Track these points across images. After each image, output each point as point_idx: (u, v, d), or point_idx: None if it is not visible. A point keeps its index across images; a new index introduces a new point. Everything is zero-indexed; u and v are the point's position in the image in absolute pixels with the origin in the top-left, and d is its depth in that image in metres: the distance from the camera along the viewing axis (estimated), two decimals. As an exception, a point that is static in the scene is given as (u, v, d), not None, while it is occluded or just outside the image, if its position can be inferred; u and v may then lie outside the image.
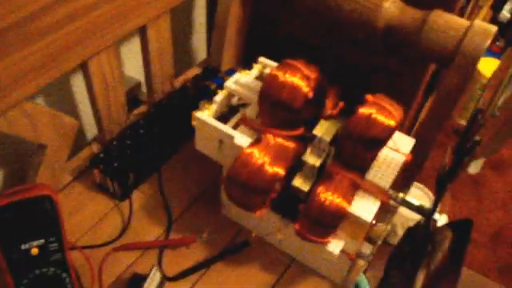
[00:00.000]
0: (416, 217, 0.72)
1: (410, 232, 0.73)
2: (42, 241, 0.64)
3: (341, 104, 0.74)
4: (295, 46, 0.95)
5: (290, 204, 0.69)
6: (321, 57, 0.70)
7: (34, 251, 0.64)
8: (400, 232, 1.04)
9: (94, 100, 0.83)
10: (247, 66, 0.79)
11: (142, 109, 0.97)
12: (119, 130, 0.88)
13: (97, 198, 0.84)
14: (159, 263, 0.76)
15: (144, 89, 1.03)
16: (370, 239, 0.75)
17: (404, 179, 0.76)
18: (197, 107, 0.77)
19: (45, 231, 0.64)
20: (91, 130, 1.00)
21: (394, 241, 1.02)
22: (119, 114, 0.88)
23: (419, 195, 1.12)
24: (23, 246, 0.63)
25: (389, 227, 0.81)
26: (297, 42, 0.96)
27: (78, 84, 0.93)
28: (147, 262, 0.76)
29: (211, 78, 0.93)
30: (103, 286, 0.73)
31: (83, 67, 0.78)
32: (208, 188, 0.86)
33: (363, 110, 0.63)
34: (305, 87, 0.65)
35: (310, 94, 0.65)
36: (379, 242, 0.78)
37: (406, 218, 1.00)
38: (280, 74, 0.65)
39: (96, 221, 0.81)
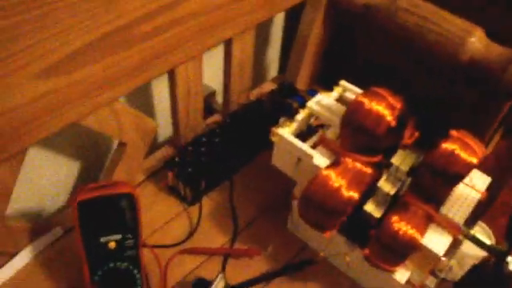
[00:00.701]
0: (474, 254, 0.72)
1: (477, 271, 0.73)
2: (120, 236, 0.67)
3: (416, 134, 0.75)
4: (373, 70, 0.97)
5: (358, 228, 0.70)
6: (399, 85, 0.71)
7: (112, 245, 0.67)
8: (456, 269, 1.02)
9: (175, 105, 0.86)
10: (323, 85, 0.80)
11: (216, 117, 1.00)
12: (193, 135, 0.91)
13: (167, 200, 0.86)
14: (222, 270, 0.77)
15: (218, 97, 1.06)
16: (433, 273, 0.75)
17: (472, 216, 0.76)
18: (273, 122, 0.79)
19: (123, 227, 0.67)
20: (163, 133, 1.03)
21: (448, 276, 1.01)
22: (196, 121, 0.91)
23: (478, 231, 1.10)
24: (102, 239, 0.66)
25: (452, 262, 0.81)
26: (375, 67, 0.96)
27: (157, 86, 0.96)
28: (211, 267, 0.77)
29: (290, 96, 0.95)
30: (167, 285, 0.75)
31: (170, 73, 0.81)
32: (276, 202, 0.87)
33: (446, 145, 0.63)
34: (388, 116, 0.66)
35: (393, 123, 0.66)
36: (442, 277, 0.78)
37: (464, 254, 0.99)
38: (366, 101, 0.66)
39: (164, 222, 0.83)
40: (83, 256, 0.66)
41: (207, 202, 0.86)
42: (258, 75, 1.24)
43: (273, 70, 1.29)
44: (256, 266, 0.79)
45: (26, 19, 0.56)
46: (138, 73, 0.73)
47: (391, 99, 0.67)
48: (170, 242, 0.80)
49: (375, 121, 0.66)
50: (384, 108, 0.66)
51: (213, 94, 1.04)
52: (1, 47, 0.55)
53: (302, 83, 1.05)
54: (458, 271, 0.78)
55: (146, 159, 0.91)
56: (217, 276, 0.72)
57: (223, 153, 0.87)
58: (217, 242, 0.81)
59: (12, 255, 0.76)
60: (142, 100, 0.95)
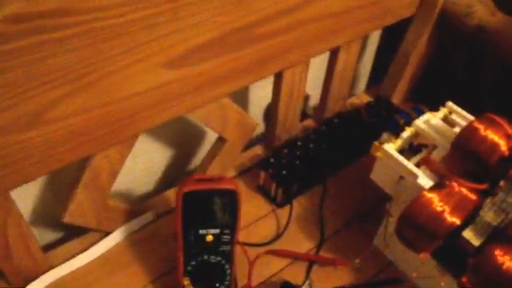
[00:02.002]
0: None
1: None
2: (218, 230, 0.68)
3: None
4: (471, 92, 0.94)
5: (452, 254, 0.68)
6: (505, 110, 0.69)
7: (209, 238, 0.68)
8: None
9: (276, 106, 0.86)
10: (418, 102, 0.79)
11: (309, 122, 1.00)
12: (287, 137, 0.92)
13: (256, 199, 0.87)
14: (307, 276, 0.78)
15: (311, 102, 1.07)
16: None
17: None
18: (371, 134, 0.79)
19: (222, 222, 0.68)
20: (258, 132, 1.04)
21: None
22: (293, 124, 0.92)
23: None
24: (201, 231, 0.68)
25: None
26: (478, 88, 0.94)
27: (255, 85, 0.97)
28: (295, 271, 0.78)
29: (390, 111, 0.94)
30: (252, 283, 0.76)
31: (278, 75, 0.82)
32: (365, 215, 0.87)
33: None
34: (503, 146, 0.64)
35: (506, 154, 0.65)
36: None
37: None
38: (482, 128, 0.65)
39: (253, 220, 0.84)
40: (180, 245, 0.68)
41: (296, 206, 0.87)
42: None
43: (362, 81, 1.28)
44: (340, 277, 0.78)
45: (160, 12, 0.58)
46: (250, 72, 0.74)
47: (508, 128, 0.65)
48: (258, 241, 0.81)
49: (489, 149, 0.64)
50: (500, 137, 0.64)
51: (307, 98, 1.04)
52: (139, 34, 0.58)
53: (397, 99, 1.04)
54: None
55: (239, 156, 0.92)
56: (304, 282, 0.73)
57: (317, 159, 0.87)
58: (303, 246, 0.82)
59: (105, 234, 0.79)
60: (239, 97, 0.96)
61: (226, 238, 0.69)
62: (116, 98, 0.62)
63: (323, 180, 0.89)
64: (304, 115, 1.03)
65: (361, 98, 1.06)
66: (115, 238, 0.80)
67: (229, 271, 0.71)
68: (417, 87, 1.07)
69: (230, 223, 0.68)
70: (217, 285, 0.71)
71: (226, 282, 0.71)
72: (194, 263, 0.69)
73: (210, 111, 0.75)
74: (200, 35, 0.64)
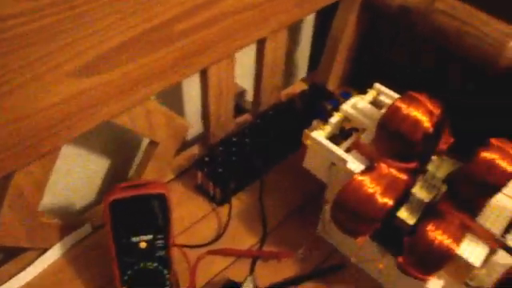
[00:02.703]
0: (505, 263, 0.70)
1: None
2: (151, 236, 0.67)
3: (451, 140, 0.73)
4: (406, 73, 0.95)
5: (390, 235, 0.68)
6: (433, 89, 0.69)
7: (143, 245, 0.67)
8: (484, 277, 1.01)
9: (206, 104, 0.85)
10: (354, 86, 0.79)
11: (246, 117, 0.99)
12: (223, 135, 0.91)
13: (196, 200, 0.86)
14: (251, 273, 0.77)
15: (248, 97, 1.05)
16: (466, 284, 0.74)
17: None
18: (305, 123, 0.78)
19: (155, 227, 0.67)
20: (192, 131, 1.03)
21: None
22: (227, 121, 0.91)
23: None
24: (133, 239, 0.66)
25: (483, 271, 0.79)
26: (408, 69, 0.95)
27: (186, 84, 0.96)
28: (239, 269, 0.77)
29: (323, 97, 0.94)
30: (196, 286, 0.75)
31: (203, 73, 0.80)
32: (306, 204, 0.87)
33: (486, 155, 0.61)
34: (426, 122, 0.64)
35: (431, 130, 0.65)
36: (472, 285, 0.76)
37: (495, 263, 0.97)
38: (403, 107, 0.65)
39: (193, 222, 0.83)
40: (114, 255, 0.66)
41: (236, 203, 0.86)
42: (288, 75, 1.23)
43: (302, 70, 1.28)
44: (285, 270, 0.78)
45: (61, 19, 0.56)
46: (172, 72, 0.72)
47: (430, 105, 0.65)
48: (199, 242, 0.80)
49: (412, 127, 0.64)
50: (422, 114, 0.64)
51: (243, 93, 1.03)
52: (39, 46, 0.55)
53: (333, 84, 1.04)
54: (485, 279, 0.77)
55: (175, 158, 0.90)
56: (245, 279, 0.72)
57: (253, 153, 0.86)
58: (246, 243, 0.81)
59: (42, 251, 0.77)
60: (171, 98, 0.95)
61: (161, 242, 0.67)
62: (31, 111, 0.60)
63: (260, 174, 0.88)
64: (242, 110, 1.02)
65: (298, 87, 1.05)
66: (52, 255, 0.77)
67: (167, 276, 0.69)
68: (351, 71, 1.07)
69: (163, 227, 0.67)
70: (156, 291, 0.69)
71: (166, 287, 0.70)
72: (130, 272, 0.67)
73: (135, 115, 0.73)
74: (110, 39, 0.62)
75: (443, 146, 0.72)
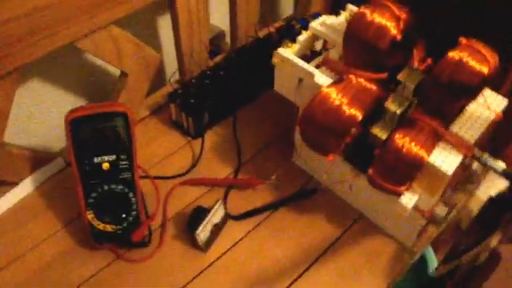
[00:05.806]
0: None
1: (493, 203, 0.69)
2: (114, 157, 0.65)
3: (429, 60, 0.70)
4: None
5: (364, 153, 0.66)
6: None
7: (106, 166, 0.65)
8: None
9: (177, 37, 0.83)
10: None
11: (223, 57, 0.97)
12: (199, 71, 0.89)
13: (171, 134, 0.84)
14: (224, 201, 0.75)
15: (228, 39, 1.03)
16: (446, 202, 0.71)
17: (490, 144, 0.71)
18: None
19: (118, 147, 0.65)
20: (172, 72, 1.00)
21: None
22: (202, 56, 0.88)
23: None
24: (96, 160, 0.65)
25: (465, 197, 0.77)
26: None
27: (164, 25, 0.93)
28: (213, 198, 0.75)
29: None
30: (167, 215, 0.73)
31: (171, 3, 0.78)
32: (281, 136, 0.85)
33: (454, 54, 0.59)
34: (393, 28, 0.62)
35: (398, 37, 0.62)
36: (454, 213, 0.74)
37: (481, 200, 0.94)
38: (368, 13, 0.62)
39: (167, 154, 0.82)
40: (77, 177, 0.65)
41: (211, 136, 0.84)
42: (273, 15, 1.20)
43: (288, 10, 1.24)
44: (259, 198, 0.76)
45: None
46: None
47: (396, 10, 0.62)
48: (173, 174, 0.78)
49: (377, 33, 0.62)
50: (387, 19, 0.62)
51: (222, 34, 1.01)
52: None
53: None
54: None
55: (151, 96, 0.89)
56: (215, 203, 0.70)
57: (228, 86, 0.84)
58: (220, 174, 0.79)
59: (13, 185, 0.76)
60: (150, 39, 0.93)
61: (124, 164, 0.66)
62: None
63: (235, 107, 0.86)
64: (222, 52, 1.00)
65: (278, 25, 1.03)
66: (24, 189, 0.76)
67: (134, 199, 0.68)
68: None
69: (126, 148, 0.65)
70: (123, 215, 0.68)
71: (133, 212, 0.68)
72: (94, 195, 0.66)
73: (99, 41, 0.71)
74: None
75: (421, 66, 0.69)
